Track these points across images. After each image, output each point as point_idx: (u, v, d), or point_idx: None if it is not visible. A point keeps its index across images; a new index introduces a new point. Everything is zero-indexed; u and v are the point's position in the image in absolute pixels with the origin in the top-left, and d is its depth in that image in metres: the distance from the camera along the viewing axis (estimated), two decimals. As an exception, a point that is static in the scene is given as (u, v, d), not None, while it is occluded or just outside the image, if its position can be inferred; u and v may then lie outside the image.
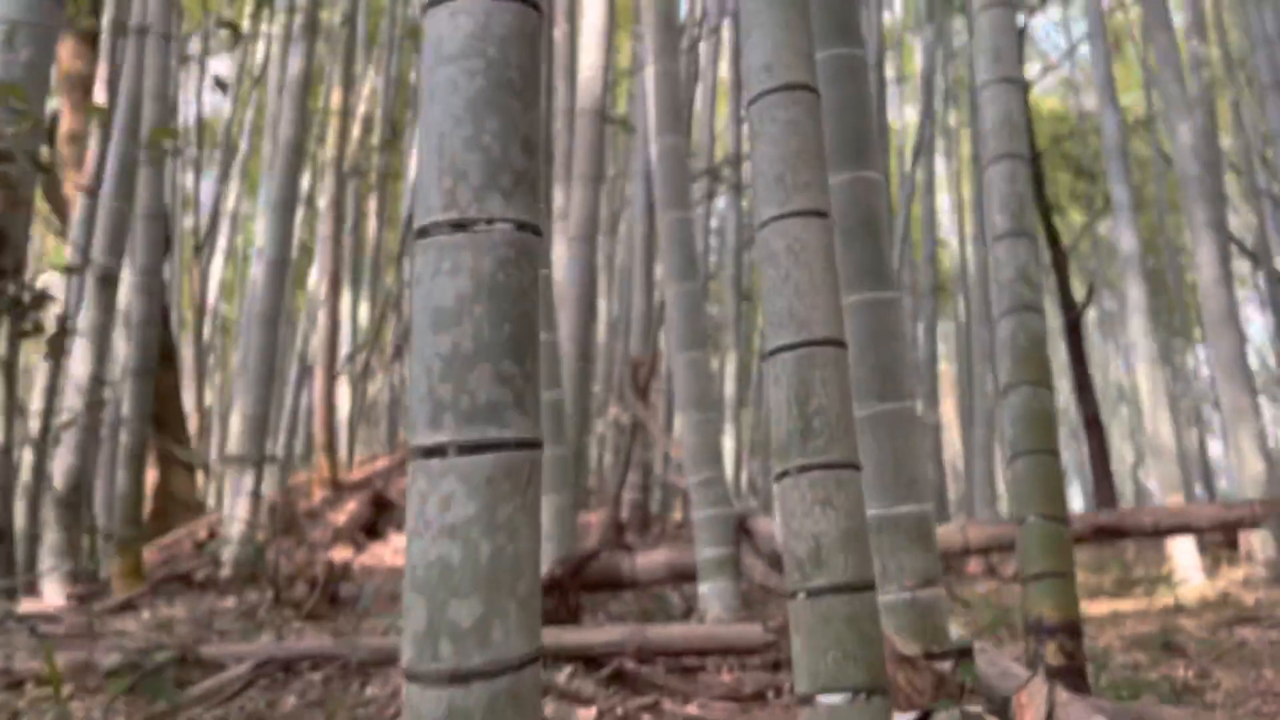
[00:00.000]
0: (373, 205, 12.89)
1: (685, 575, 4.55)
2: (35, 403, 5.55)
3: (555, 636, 3.22)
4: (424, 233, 1.11)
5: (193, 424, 9.74)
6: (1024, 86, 3.21)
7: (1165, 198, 15.65)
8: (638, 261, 8.03)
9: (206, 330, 11.91)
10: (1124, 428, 24.82)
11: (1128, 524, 4.46)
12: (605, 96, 5.44)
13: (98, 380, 5.45)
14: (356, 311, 12.88)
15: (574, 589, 3.57)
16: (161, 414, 8.38)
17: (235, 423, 6.14)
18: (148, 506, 8.09)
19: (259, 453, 5.91)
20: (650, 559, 4.62)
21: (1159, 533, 4.54)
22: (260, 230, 6.53)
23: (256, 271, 5.96)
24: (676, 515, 8.62)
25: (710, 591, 3.92)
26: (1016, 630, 4.58)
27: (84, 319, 5.47)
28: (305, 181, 12.89)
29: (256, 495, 5.87)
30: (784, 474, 1.78)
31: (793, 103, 1.92)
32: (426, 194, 1.13)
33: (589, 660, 3.23)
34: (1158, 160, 13.94)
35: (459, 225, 1.10)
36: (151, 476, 8.19)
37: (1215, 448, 19.56)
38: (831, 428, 1.74)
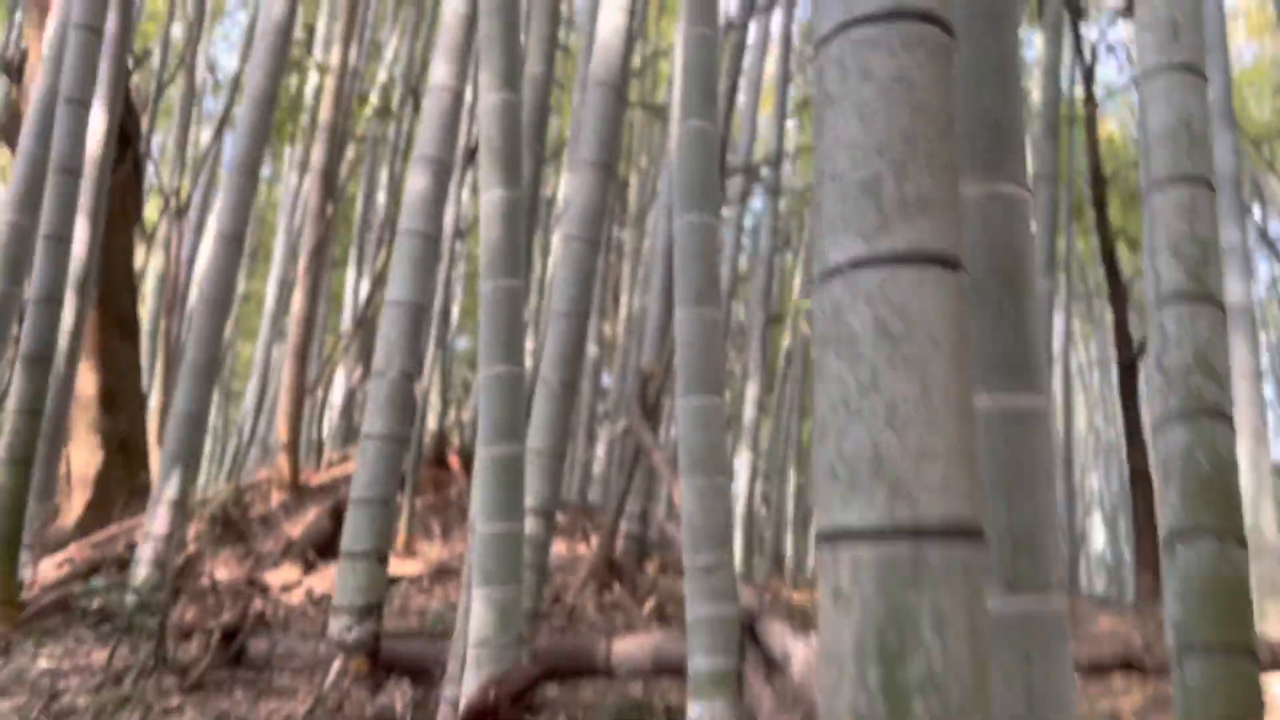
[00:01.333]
0: (384, 177, 12.04)
1: (674, 668, 3.64)
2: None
3: (476, 795, 2.32)
4: None
5: (158, 401, 8.90)
6: (1205, 83, 2.24)
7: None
8: (658, 261, 7.13)
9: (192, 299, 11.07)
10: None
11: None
12: (625, 68, 4.49)
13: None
14: (358, 289, 12.05)
15: (514, 718, 2.69)
16: (115, 391, 7.56)
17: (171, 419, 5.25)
18: (84, 495, 7.29)
19: (188, 451, 5.01)
20: (631, 645, 3.72)
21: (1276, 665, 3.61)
22: (220, 198, 5.66)
23: (208, 246, 5.08)
24: (678, 551, 7.70)
25: (700, 716, 3.01)
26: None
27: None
28: (300, 148, 12.12)
29: (182, 504, 4.97)
30: (839, 804, 0.86)
31: (905, 44, 0.99)
32: None
33: (521, 830, 2.34)
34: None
35: None
36: (96, 461, 7.39)
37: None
38: (948, 722, 0.83)
